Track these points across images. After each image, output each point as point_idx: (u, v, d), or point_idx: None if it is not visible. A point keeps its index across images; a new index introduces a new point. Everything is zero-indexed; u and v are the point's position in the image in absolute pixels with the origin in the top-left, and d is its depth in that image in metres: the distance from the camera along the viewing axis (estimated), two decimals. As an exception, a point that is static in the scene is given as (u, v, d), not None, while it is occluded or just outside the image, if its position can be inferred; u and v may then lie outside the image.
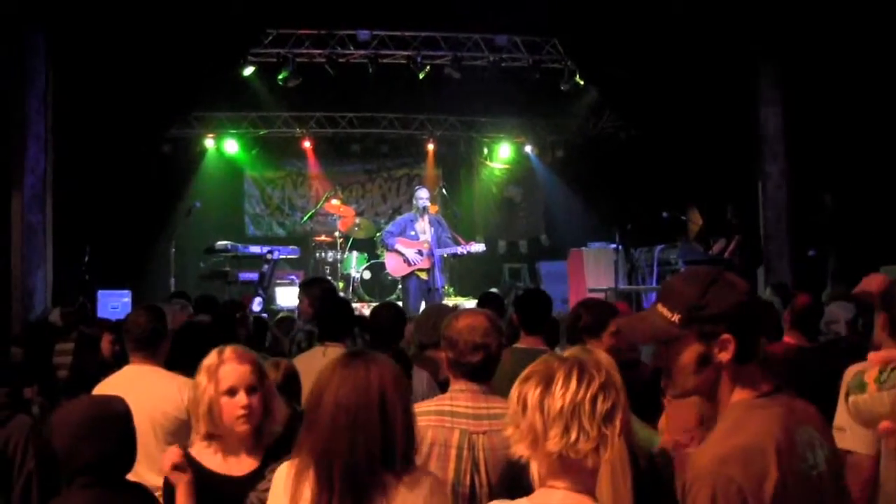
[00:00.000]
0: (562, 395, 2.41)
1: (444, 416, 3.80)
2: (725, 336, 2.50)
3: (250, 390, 3.70)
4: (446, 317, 4.14)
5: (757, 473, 2.34)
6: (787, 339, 6.22)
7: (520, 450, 2.47)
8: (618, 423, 2.42)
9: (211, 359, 3.76)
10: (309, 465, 2.88)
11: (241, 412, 3.67)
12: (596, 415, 2.39)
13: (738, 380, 2.54)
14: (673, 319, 2.55)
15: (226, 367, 3.72)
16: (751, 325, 2.56)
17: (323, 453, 2.84)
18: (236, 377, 3.70)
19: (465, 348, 3.90)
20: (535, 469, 2.48)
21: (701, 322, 2.51)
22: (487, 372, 3.95)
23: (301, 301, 7.75)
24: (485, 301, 8.14)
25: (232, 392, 3.68)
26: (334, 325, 5.96)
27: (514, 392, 2.51)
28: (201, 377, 3.72)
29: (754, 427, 2.44)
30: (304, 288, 7.79)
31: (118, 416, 3.60)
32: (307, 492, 2.86)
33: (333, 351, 5.76)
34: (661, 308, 2.60)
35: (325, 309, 6.28)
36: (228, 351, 3.79)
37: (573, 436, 2.38)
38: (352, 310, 6.43)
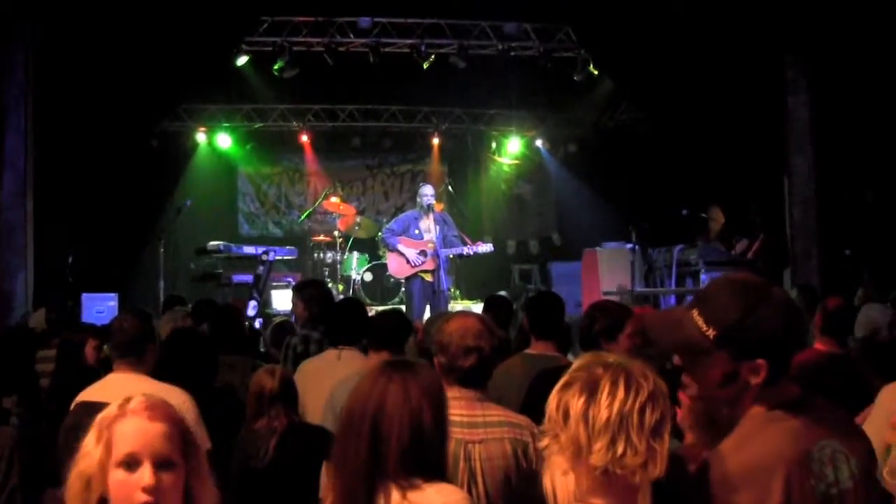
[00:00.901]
0: (608, 404, 2.35)
1: None
2: (760, 362, 2.46)
3: (162, 464, 2.51)
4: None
5: (759, 497, 2.31)
6: (818, 345, 6.15)
7: (558, 462, 2.42)
8: (666, 436, 2.37)
9: (109, 410, 2.60)
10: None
11: (143, 498, 2.47)
12: (644, 427, 2.34)
13: (762, 394, 2.50)
14: (707, 333, 2.51)
15: (126, 423, 2.54)
16: (788, 351, 2.52)
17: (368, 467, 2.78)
18: (141, 441, 2.51)
19: (457, 352, 3.90)
20: (569, 484, 2.43)
21: (737, 345, 2.47)
22: (481, 376, 3.95)
23: (295, 305, 7.73)
24: (491, 305, 8.11)
25: (130, 464, 2.50)
26: (349, 328, 5.97)
27: (553, 400, 2.45)
28: (89, 436, 2.57)
29: (764, 444, 2.42)
30: (298, 291, 7.76)
31: None
32: None
33: (350, 355, 5.78)
34: (695, 316, 2.55)
35: (339, 310, 6.29)
36: (139, 401, 2.60)
37: (620, 450, 2.32)
38: (366, 311, 6.43)
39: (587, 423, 2.35)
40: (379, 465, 2.75)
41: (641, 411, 2.34)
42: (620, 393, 2.35)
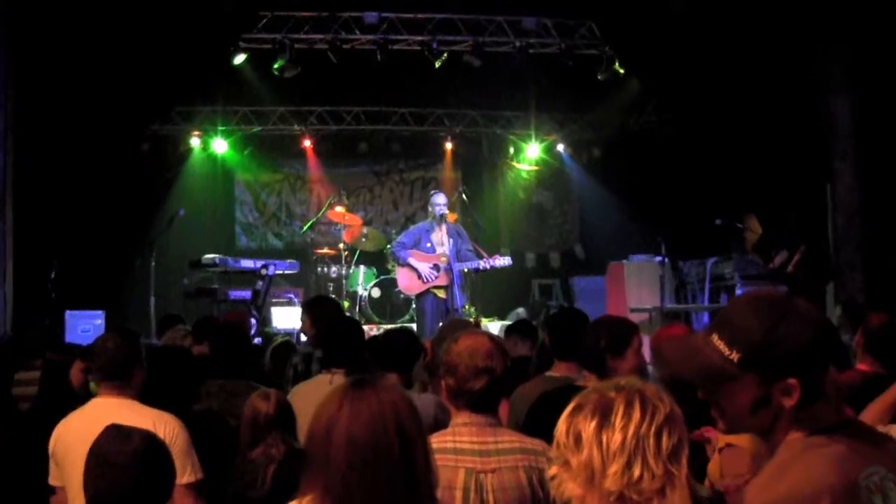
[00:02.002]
0: (623, 427, 2.35)
1: (446, 455, 3.77)
2: (791, 381, 2.44)
3: None
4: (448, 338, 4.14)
5: None
6: (861, 365, 6.12)
7: (570, 489, 2.41)
8: (684, 461, 2.36)
9: None
10: None
11: None
12: (662, 451, 2.34)
13: (798, 418, 2.48)
14: (731, 357, 2.49)
15: None
16: (821, 367, 2.50)
17: (343, 497, 2.77)
18: None
19: (467, 373, 3.89)
20: None
21: (765, 366, 2.46)
22: (492, 400, 3.95)
23: (303, 322, 7.81)
24: (513, 329, 8.14)
25: None
26: (342, 349, 5.97)
27: (562, 425, 2.45)
28: None
29: (806, 470, 2.39)
30: (307, 307, 7.84)
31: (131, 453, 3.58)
32: None
33: (343, 380, 5.76)
34: (716, 340, 2.54)
35: (332, 330, 6.29)
36: None
37: (636, 473, 2.33)
38: (361, 331, 6.44)
39: (601, 446, 2.34)
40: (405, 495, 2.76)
41: (658, 434, 2.34)
42: (636, 415, 2.35)
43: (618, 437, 2.33)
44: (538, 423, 4.48)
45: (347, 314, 14.89)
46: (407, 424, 2.83)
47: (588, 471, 2.35)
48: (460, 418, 3.90)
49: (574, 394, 2.56)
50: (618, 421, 2.35)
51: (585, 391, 2.48)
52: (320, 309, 7.65)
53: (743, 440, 3.96)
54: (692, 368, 2.63)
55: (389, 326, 13.86)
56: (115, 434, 3.69)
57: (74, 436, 4.69)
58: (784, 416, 2.47)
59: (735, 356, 2.48)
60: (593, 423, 2.37)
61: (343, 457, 2.76)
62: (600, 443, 2.35)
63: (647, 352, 5.77)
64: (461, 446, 3.80)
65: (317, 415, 2.90)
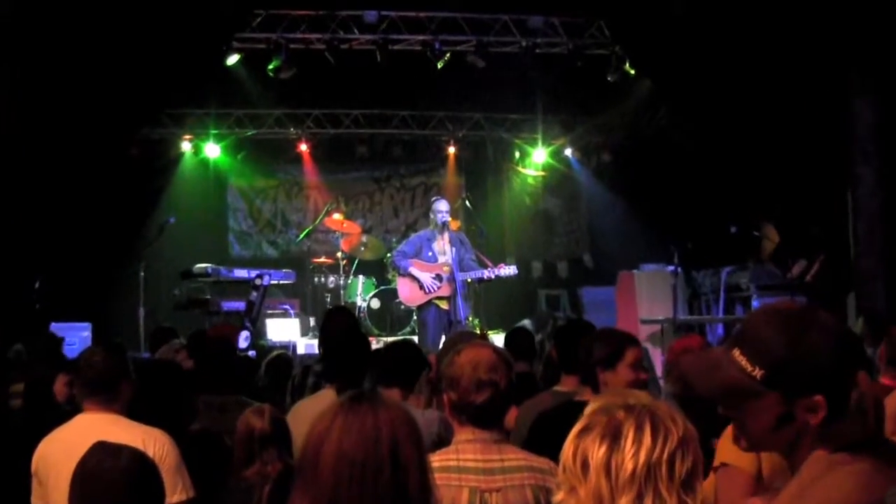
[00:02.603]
0: (633, 453, 2.32)
1: (449, 473, 3.77)
2: (817, 399, 2.43)
3: None
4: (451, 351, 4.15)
5: None
6: (884, 379, 6.11)
7: None
8: (698, 488, 2.35)
9: None
10: None
11: None
12: (675, 479, 2.31)
13: (823, 435, 2.47)
14: (754, 374, 2.48)
15: None
16: (846, 382, 2.49)
17: None
18: None
19: (469, 386, 3.90)
20: None
21: (789, 382, 2.45)
22: (497, 415, 3.95)
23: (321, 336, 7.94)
24: (512, 339, 8.12)
25: None
26: (345, 364, 5.97)
27: (568, 447, 2.42)
28: None
29: (831, 490, 2.38)
30: (324, 319, 7.94)
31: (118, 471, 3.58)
32: None
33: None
34: (738, 356, 2.53)
35: (335, 343, 6.29)
36: None
37: None
38: (367, 344, 6.43)
39: (610, 475, 2.32)
40: None
41: (671, 460, 2.31)
42: (647, 439, 2.32)
43: (628, 465, 2.30)
44: (539, 442, 4.47)
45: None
46: (403, 443, 2.81)
47: (596, 500, 2.33)
48: (463, 434, 3.89)
49: (572, 410, 2.54)
50: (628, 447, 2.32)
51: (593, 410, 2.44)
52: (330, 320, 7.68)
53: (742, 460, 3.92)
54: (712, 384, 2.62)
55: (390, 339, 13.88)
56: (102, 451, 3.68)
57: (59, 453, 4.68)
58: (808, 433, 2.46)
59: (758, 373, 2.47)
60: (602, 449, 2.34)
61: (331, 472, 2.74)
62: (609, 471, 2.32)
63: (659, 366, 5.79)
64: (465, 464, 3.79)
65: (310, 428, 2.88)
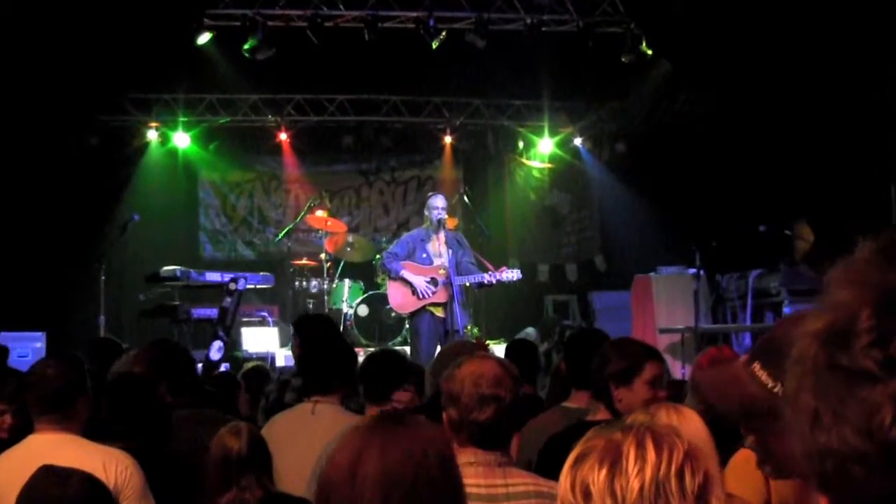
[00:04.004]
0: (638, 471, 2.26)
1: None
2: None
3: None
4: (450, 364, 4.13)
5: None
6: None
7: None
8: (714, 500, 2.31)
9: None
10: None
11: None
12: (687, 493, 2.27)
13: None
14: (776, 391, 2.45)
15: None
16: None
17: None
18: None
19: (470, 403, 3.91)
20: None
21: None
22: (501, 434, 3.97)
23: (293, 346, 7.88)
24: (511, 355, 8.10)
25: None
26: (326, 375, 5.96)
27: (564, 480, 2.36)
28: None
29: None
30: (296, 327, 7.89)
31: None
32: None
33: (326, 409, 5.76)
34: (758, 370, 2.51)
35: (315, 352, 6.27)
36: None
37: None
38: (352, 354, 6.41)
39: (615, 499, 2.28)
40: None
41: (680, 475, 2.27)
42: (650, 455, 2.28)
43: (634, 485, 2.26)
44: (552, 466, 4.45)
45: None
46: (449, 463, 2.87)
47: None
48: (465, 457, 3.85)
49: (585, 431, 2.51)
50: (631, 466, 2.28)
51: (587, 435, 2.41)
52: (309, 328, 7.66)
53: (749, 491, 3.90)
54: (731, 402, 2.62)
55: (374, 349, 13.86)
56: (48, 477, 3.65)
57: (6, 479, 4.63)
58: None
59: (780, 389, 2.42)
60: (602, 473, 2.30)
61: (376, 493, 2.74)
62: (615, 496, 2.28)
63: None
64: (467, 490, 3.76)
65: (336, 450, 2.87)
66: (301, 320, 8.53)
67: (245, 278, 14.63)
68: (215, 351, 13.36)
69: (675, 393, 6.26)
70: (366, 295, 16.95)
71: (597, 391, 5.28)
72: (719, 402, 2.65)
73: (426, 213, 13.65)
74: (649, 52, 17.02)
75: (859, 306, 1.53)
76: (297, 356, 7.59)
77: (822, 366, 1.54)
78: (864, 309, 1.52)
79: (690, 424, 2.59)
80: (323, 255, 17.28)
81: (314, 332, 7.57)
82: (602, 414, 5.11)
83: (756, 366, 2.51)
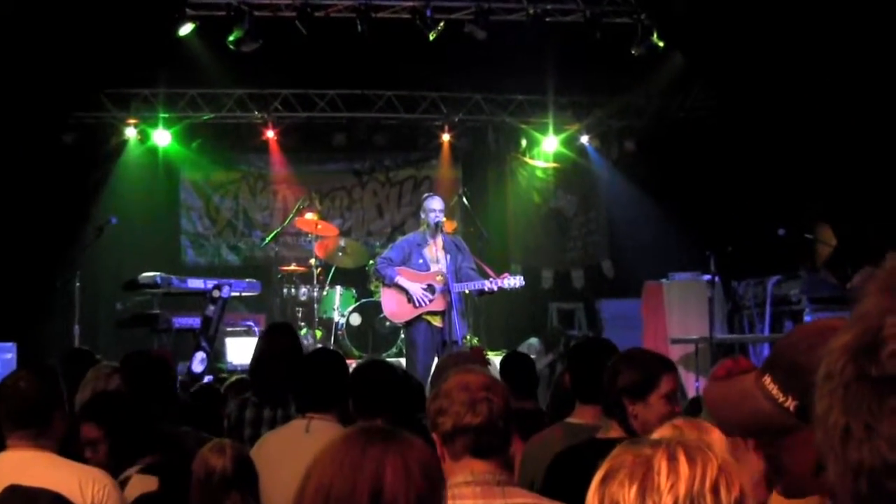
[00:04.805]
0: (671, 486, 2.27)
1: None
2: None
3: None
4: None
5: None
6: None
7: None
8: None
9: None
10: None
11: None
12: None
13: None
14: (786, 405, 2.46)
15: None
16: None
17: None
18: None
19: (461, 408, 3.87)
20: None
21: None
22: (497, 441, 3.90)
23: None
24: (506, 369, 8.11)
25: None
26: (320, 389, 5.96)
27: (593, 497, 2.36)
28: None
29: None
30: (261, 338, 7.88)
31: None
32: None
33: (322, 426, 5.76)
34: (769, 383, 2.51)
35: (307, 366, 6.29)
36: None
37: None
38: (345, 365, 6.43)
39: None
40: None
41: (715, 490, 2.28)
42: (683, 469, 2.29)
43: (667, 500, 2.27)
44: (559, 487, 4.44)
45: (319, 345, 14.94)
46: (389, 481, 2.80)
47: None
48: (459, 475, 3.82)
49: (598, 450, 2.52)
50: (663, 482, 2.29)
51: (615, 452, 2.41)
52: (279, 337, 7.67)
53: None
54: (739, 417, 2.63)
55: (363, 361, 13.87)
56: (15, 498, 3.65)
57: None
58: None
59: (791, 403, 2.45)
60: (633, 490, 2.30)
61: None
62: None
63: (693, 394, 5.76)
64: (463, 512, 3.75)
65: (314, 467, 2.86)
66: (266, 331, 8.46)
67: (229, 285, 14.62)
68: (198, 363, 13.36)
69: (693, 411, 6.25)
70: (358, 303, 16.96)
71: (608, 407, 5.24)
72: (726, 415, 2.66)
73: (423, 215, 13.64)
74: (661, 44, 17.00)
75: (885, 313, 1.54)
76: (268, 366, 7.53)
77: (850, 379, 1.55)
78: (890, 315, 1.52)
79: (715, 441, 2.59)
80: (312, 261, 17.27)
81: (289, 340, 7.58)
82: (615, 431, 5.05)
83: (767, 378, 2.51)
